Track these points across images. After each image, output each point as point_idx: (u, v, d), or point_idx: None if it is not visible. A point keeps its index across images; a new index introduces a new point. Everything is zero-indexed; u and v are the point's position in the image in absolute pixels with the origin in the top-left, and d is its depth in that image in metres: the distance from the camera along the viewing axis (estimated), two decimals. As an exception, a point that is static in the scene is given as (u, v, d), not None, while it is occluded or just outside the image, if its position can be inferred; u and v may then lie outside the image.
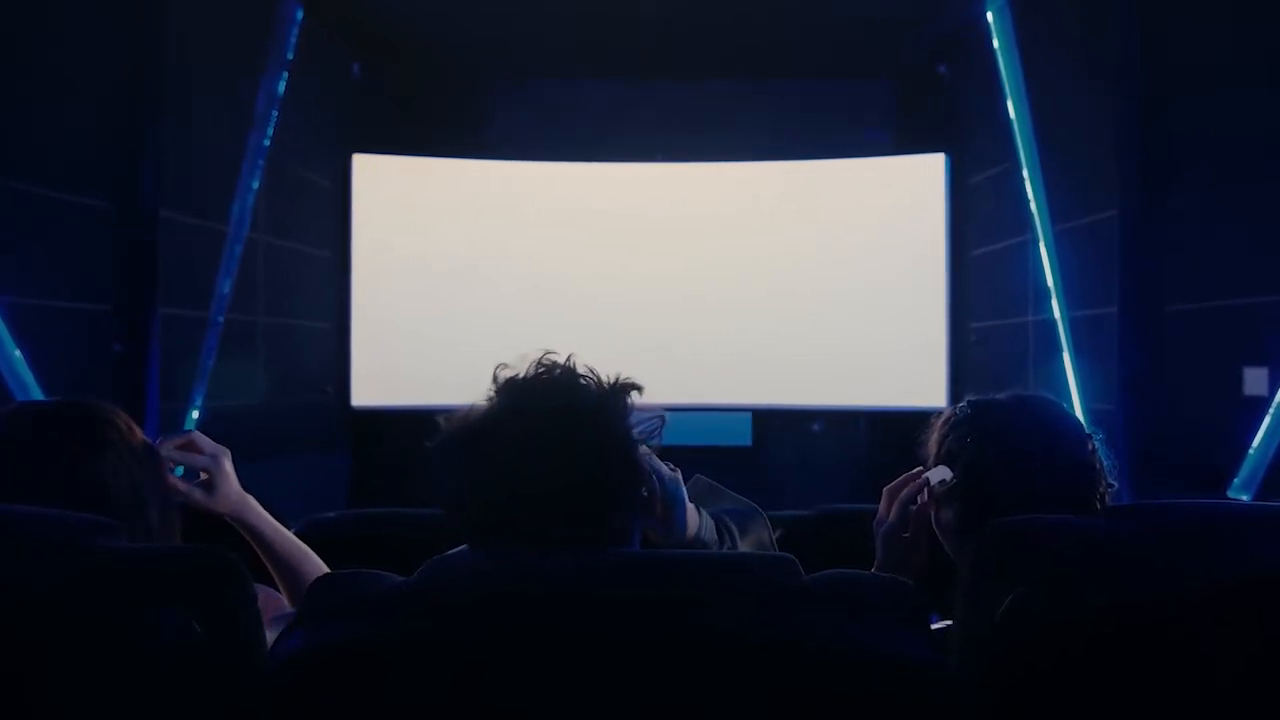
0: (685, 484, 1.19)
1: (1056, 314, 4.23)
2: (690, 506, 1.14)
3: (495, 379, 1.03)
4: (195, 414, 4.07)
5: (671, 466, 1.16)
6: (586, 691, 0.76)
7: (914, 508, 1.28)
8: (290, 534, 1.33)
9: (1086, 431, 1.23)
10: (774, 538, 1.31)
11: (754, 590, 0.80)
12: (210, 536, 0.89)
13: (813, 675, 0.75)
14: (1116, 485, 1.22)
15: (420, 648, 0.76)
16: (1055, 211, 4.28)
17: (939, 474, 1.23)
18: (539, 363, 1.03)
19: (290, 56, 4.70)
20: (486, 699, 0.76)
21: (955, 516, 1.23)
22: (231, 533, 1.28)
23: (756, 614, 0.78)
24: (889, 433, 5.46)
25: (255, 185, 4.45)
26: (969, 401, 1.28)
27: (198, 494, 1.24)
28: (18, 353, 3.10)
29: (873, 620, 0.78)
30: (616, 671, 0.76)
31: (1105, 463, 1.22)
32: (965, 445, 1.22)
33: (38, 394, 3.09)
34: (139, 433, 1.15)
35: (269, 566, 1.30)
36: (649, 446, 1.13)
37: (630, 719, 0.76)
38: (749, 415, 5.58)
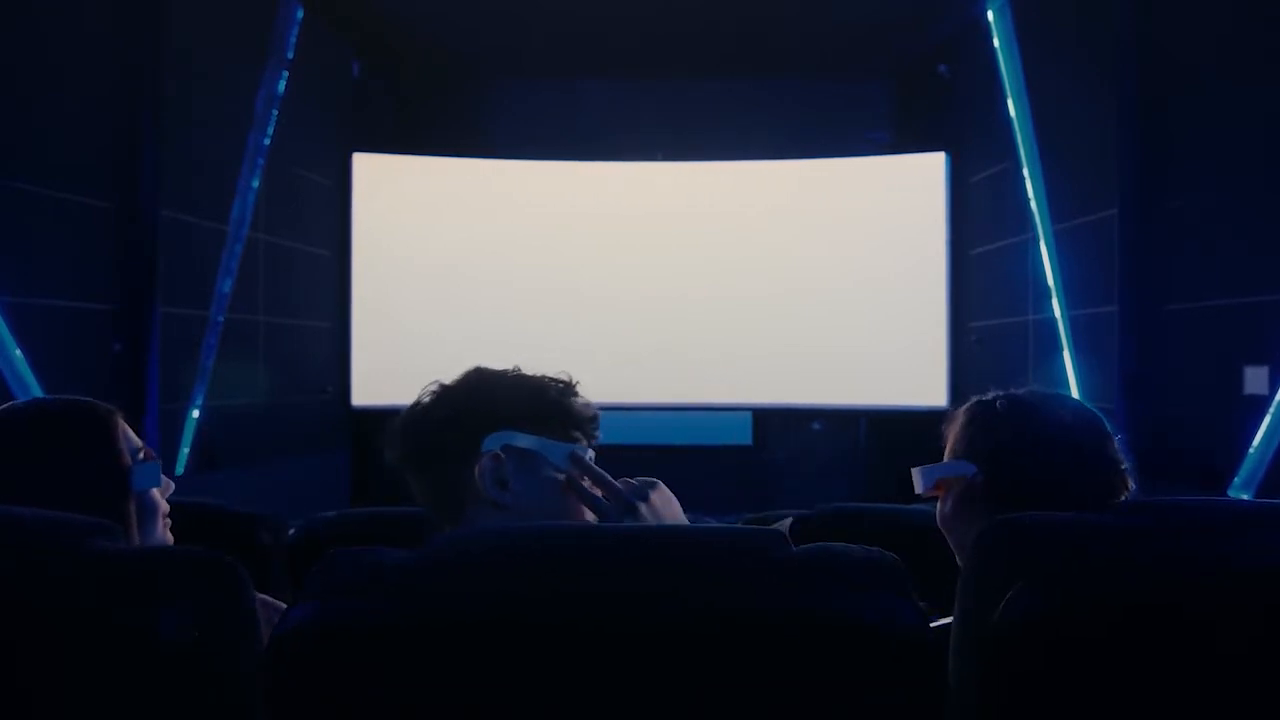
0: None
1: (1056, 313, 4.23)
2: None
3: None
4: (195, 414, 4.07)
5: (637, 486, 1.14)
6: (569, 665, 0.77)
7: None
8: None
9: (1108, 429, 1.22)
10: None
11: (740, 562, 0.80)
12: (196, 541, 0.89)
13: (800, 645, 0.76)
14: (1135, 488, 1.20)
15: (422, 624, 0.77)
16: (1055, 211, 4.29)
17: (953, 469, 1.20)
18: None
19: (290, 56, 4.70)
20: (482, 676, 0.77)
21: (982, 511, 1.19)
22: (222, 538, 1.28)
23: (743, 585, 0.79)
24: (889, 432, 5.47)
25: (255, 185, 4.45)
26: (1002, 397, 1.24)
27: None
28: (18, 352, 3.10)
29: (858, 590, 0.79)
30: (598, 646, 0.76)
31: (1127, 463, 1.20)
32: (998, 440, 1.19)
33: (38, 394, 3.09)
34: (131, 434, 1.15)
35: None
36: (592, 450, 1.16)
37: (616, 692, 0.76)
38: (749, 415, 5.58)
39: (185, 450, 4.02)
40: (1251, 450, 3.11)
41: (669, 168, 5.65)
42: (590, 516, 1.13)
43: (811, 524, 1.69)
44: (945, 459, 1.26)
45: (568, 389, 1.19)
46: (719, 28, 5.09)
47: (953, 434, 1.26)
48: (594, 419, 1.20)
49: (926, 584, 1.04)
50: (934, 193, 5.38)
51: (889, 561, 0.82)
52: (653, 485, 1.15)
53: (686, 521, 1.16)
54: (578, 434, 1.18)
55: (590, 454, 1.17)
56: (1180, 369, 3.54)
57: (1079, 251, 4.09)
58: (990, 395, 1.26)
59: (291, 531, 1.70)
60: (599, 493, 1.13)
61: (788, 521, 1.32)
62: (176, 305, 3.90)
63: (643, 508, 1.11)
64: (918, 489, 1.26)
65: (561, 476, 1.13)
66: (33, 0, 3.22)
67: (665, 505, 1.13)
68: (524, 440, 1.12)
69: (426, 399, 1.16)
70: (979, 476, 1.19)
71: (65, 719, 0.78)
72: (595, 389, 1.21)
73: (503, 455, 1.11)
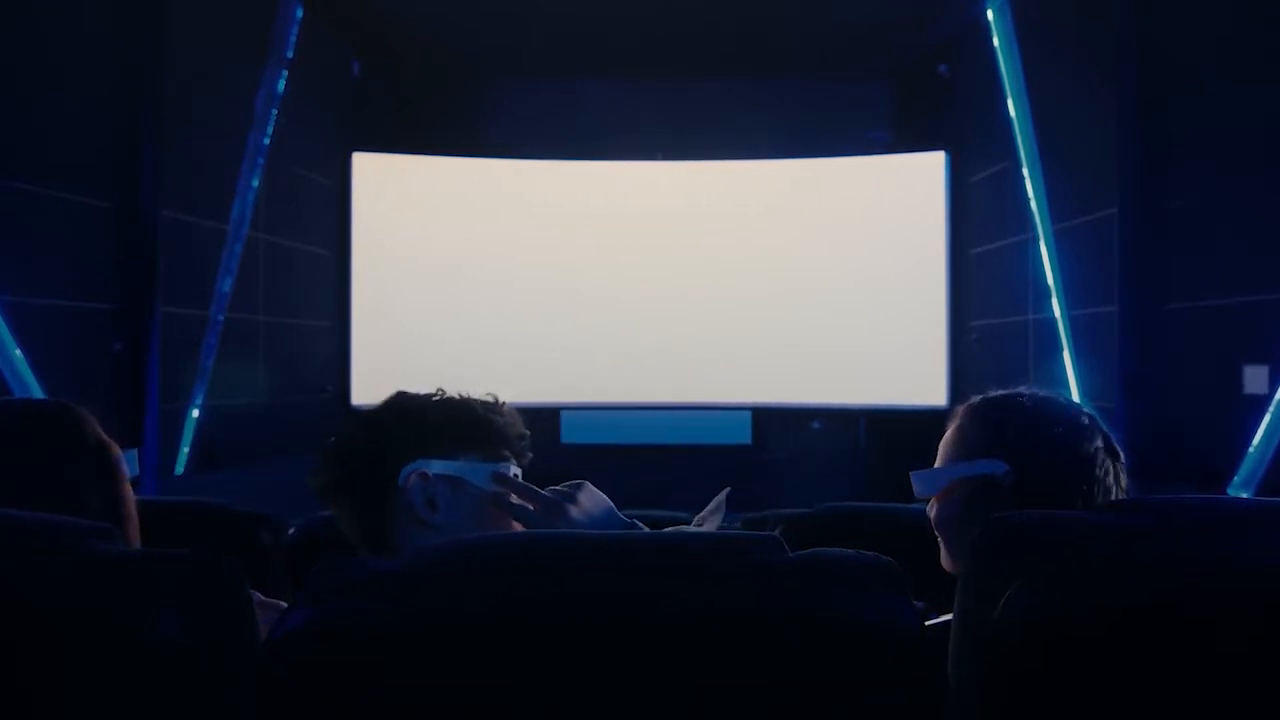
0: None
1: (1056, 312, 4.23)
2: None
3: None
4: (195, 413, 4.07)
5: (563, 491, 1.17)
6: (569, 665, 0.77)
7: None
8: None
9: (1103, 428, 1.21)
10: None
11: (739, 564, 0.81)
12: (197, 541, 0.89)
13: (799, 646, 0.77)
14: (1130, 485, 1.19)
15: (421, 624, 0.77)
16: (1055, 210, 4.29)
17: (980, 467, 1.19)
18: None
19: (290, 55, 4.70)
20: (482, 677, 0.77)
21: (998, 510, 1.18)
22: (222, 538, 1.28)
23: (742, 586, 0.79)
24: (889, 432, 5.47)
25: (255, 184, 4.45)
26: (1019, 394, 1.22)
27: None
28: (18, 352, 3.10)
29: (857, 591, 0.79)
30: (598, 646, 0.77)
31: (1123, 460, 1.20)
32: (1031, 435, 1.17)
33: (38, 394, 3.09)
34: (103, 435, 1.15)
35: None
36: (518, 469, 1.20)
37: (616, 692, 0.76)
38: (749, 414, 5.57)
39: (185, 450, 4.02)
40: (1251, 450, 3.11)
41: (669, 168, 5.65)
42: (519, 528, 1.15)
43: (810, 524, 1.69)
44: (945, 459, 1.24)
45: (492, 408, 1.20)
46: (719, 28, 5.09)
47: (963, 433, 1.23)
48: (521, 436, 1.22)
49: (926, 584, 1.05)
50: (934, 192, 5.38)
51: (885, 564, 0.82)
52: (579, 487, 1.18)
53: (616, 509, 1.19)
54: (505, 451, 1.19)
55: (515, 471, 1.19)
56: (1180, 369, 3.54)
57: (1079, 251, 4.09)
58: (1001, 393, 1.24)
59: (291, 531, 1.69)
60: (527, 505, 1.15)
61: (724, 494, 1.33)
62: (176, 305, 3.90)
63: (570, 508, 1.14)
64: (923, 492, 1.23)
65: (489, 494, 1.15)
66: (33, 0, 3.22)
67: (592, 502, 1.17)
68: (442, 466, 1.14)
69: (349, 428, 1.18)
70: (1010, 476, 1.16)
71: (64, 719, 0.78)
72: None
73: (430, 475, 1.13)
